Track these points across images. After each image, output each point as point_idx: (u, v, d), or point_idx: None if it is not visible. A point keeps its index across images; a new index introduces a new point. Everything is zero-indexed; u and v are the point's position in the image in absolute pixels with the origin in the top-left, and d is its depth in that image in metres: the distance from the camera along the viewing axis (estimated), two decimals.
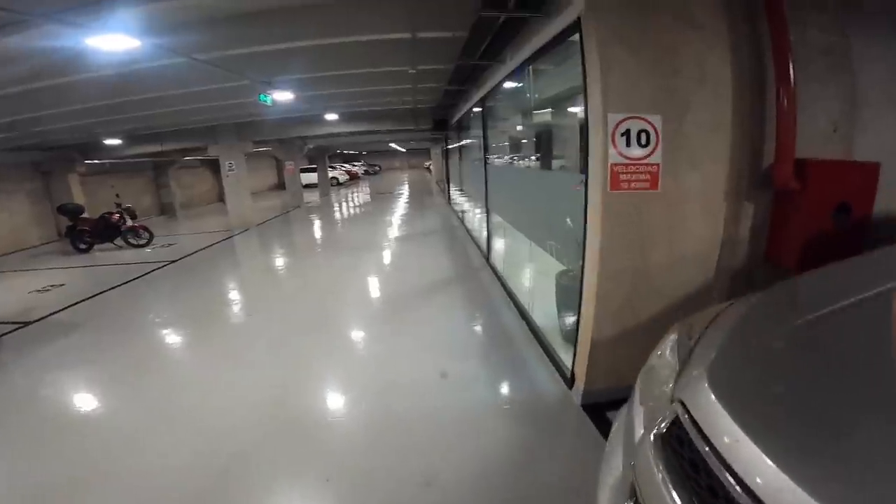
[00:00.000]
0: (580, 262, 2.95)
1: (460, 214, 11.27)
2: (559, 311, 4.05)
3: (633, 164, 2.36)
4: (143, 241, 10.59)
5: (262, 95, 5.87)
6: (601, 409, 2.89)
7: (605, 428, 2.71)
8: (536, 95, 4.81)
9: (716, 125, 2.45)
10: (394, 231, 10.48)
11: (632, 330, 2.77)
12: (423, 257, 7.51)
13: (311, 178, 22.90)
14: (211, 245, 10.05)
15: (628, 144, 2.33)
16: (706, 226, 2.61)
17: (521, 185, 4.26)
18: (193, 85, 6.06)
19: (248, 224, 12.18)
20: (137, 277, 7.42)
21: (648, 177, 2.39)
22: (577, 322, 2.96)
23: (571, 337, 3.95)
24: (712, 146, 2.47)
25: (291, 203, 16.74)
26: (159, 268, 8.21)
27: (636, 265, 2.60)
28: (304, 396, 3.38)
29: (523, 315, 4.51)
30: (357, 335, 4.56)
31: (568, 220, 2.97)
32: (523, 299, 4.71)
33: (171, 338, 4.88)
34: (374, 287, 6.14)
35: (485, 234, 6.74)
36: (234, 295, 6.41)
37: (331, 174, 26.99)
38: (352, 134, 14.53)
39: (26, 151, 11.38)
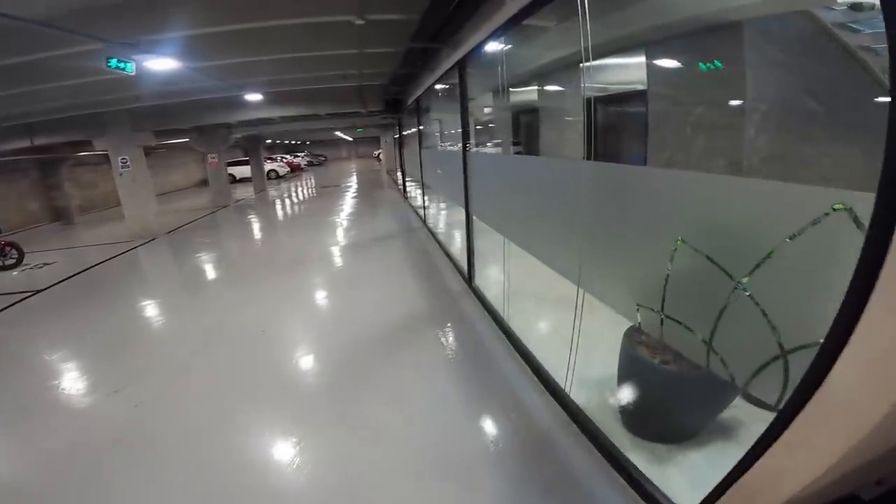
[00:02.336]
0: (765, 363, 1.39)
1: (421, 213, 9.53)
2: (626, 389, 2.52)
3: None
4: (10, 262, 8.10)
5: (112, 61, 3.85)
6: None
7: None
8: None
9: None
10: (341, 238, 8.57)
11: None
12: (383, 280, 5.73)
13: (247, 171, 20.29)
14: (98, 264, 7.72)
15: None
16: None
17: (569, 192, 2.54)
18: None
19: (155, 232, 9.80)
20: None
21: None
22: (743, 465, 1.41)
23: (645, 432, 2.48)
24: None
25: (218, 202, 14.24)
26: (18, 301, 5.96)
27: None
28: None
29: (547, 384, 2.95)
30: (290, 445, 2.78)
31: (740, 279, 1.37)
32: (546, 357, 3.14)
33: None
34: (312, 340, 4.29)
35: (464, 246, 5.13)
36: (98, 353, 4.37)
37: (269, 166, 24.31)
38: (287, 120, 12.33)
39: None
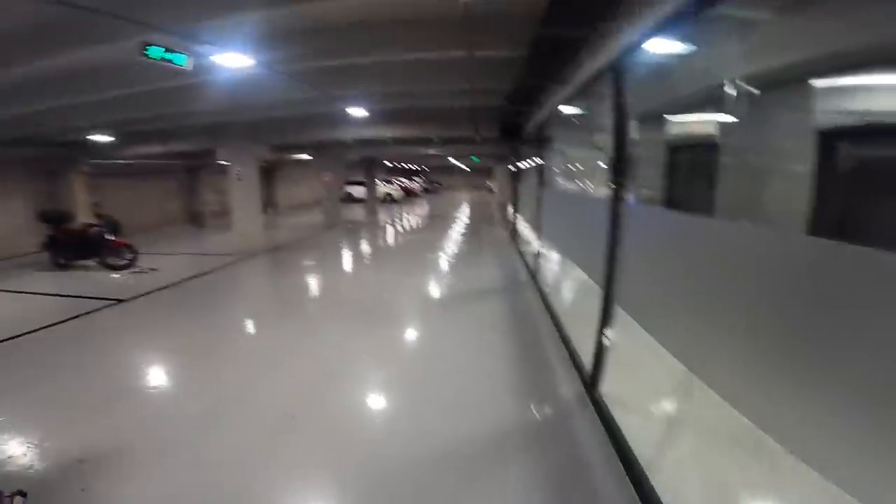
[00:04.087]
0: None
1: (530, 262, 7.88)
2: None
3: None
4: (122, 263, 8.34)
5: (154, 49, 3.04)
6: None
7: None
8: None
9: None
10: (433, 286, 7.17)
11: None
12: (466, 366, 4.03)
13: (363, 192, 20.59)
14: (189, 279, 7.50)
15: None
16: None
17: None
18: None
19: (257, 249, 9.63)
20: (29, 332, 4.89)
21: None
22: None
23: None
24: None
25: (326, 222, 14.11)
26: (95, 310, 5.75)
27: None
28: None
29: None
30: None
31: None
32: None
33: None
34: (355, 461, 2.97)
35: (583, 325, 3.43)
36: (95, 402, 3.53)
37: (385, 189, 24.67)
38: (398, 142, 11.75)
39: (29, 146, 9.70)
